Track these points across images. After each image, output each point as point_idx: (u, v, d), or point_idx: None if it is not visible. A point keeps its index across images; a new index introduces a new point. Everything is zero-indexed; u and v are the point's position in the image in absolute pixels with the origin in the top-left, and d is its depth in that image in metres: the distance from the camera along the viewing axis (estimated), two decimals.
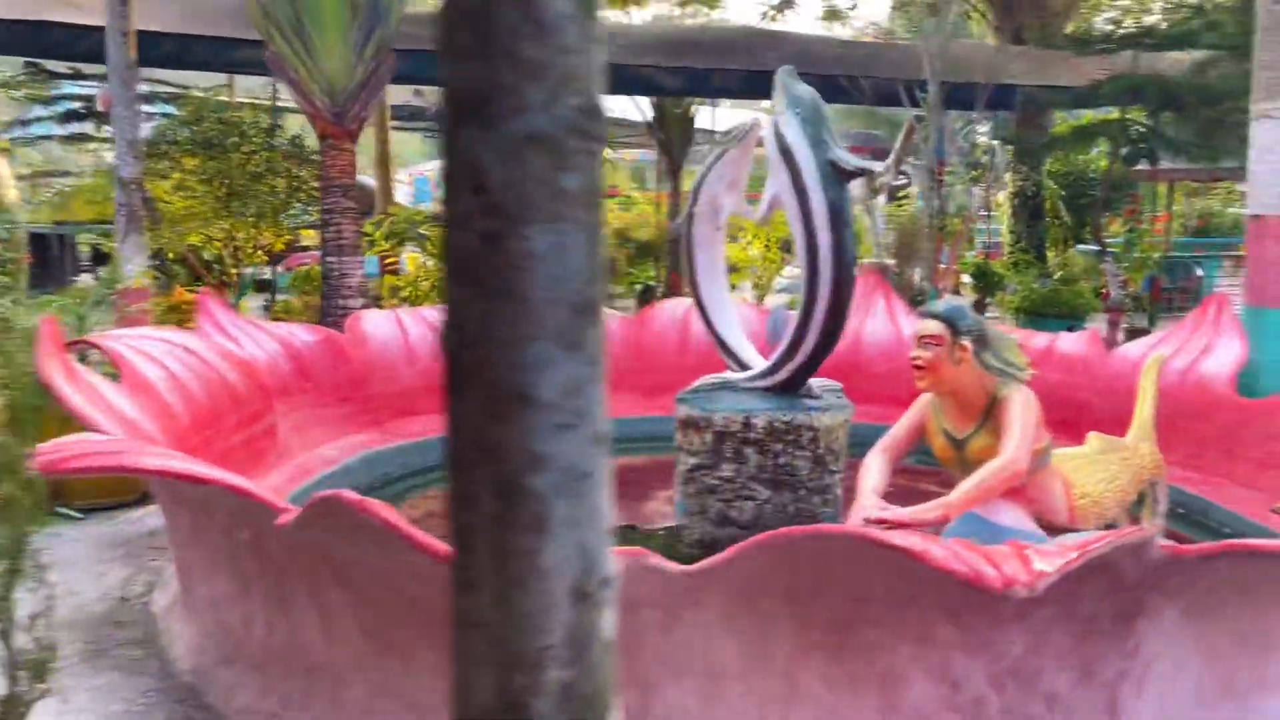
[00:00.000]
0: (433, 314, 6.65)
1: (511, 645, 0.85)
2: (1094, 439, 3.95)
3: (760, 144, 4.67)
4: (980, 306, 15.06)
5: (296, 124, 11.07)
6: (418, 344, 6.35)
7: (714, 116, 17.63)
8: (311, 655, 2.92)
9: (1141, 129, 11.28)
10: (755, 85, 9.94)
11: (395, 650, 2.69)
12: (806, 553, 2.26)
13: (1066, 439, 6.05)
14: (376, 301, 8.67)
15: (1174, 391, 5.52)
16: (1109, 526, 3.95)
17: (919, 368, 3.39)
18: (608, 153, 14.68)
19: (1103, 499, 3.71)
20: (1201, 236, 19.86)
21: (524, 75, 0.76)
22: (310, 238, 10.68)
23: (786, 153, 4.32)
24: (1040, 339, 6.49)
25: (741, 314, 7.37)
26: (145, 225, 7.52)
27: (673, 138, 14.55)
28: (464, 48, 0.77)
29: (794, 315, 4.59)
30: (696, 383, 4.79)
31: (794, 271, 10.98)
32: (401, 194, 30.66)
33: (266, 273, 11.30)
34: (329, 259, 7.49)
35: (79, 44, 9.24)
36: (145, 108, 10.64)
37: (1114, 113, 11.78)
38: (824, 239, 4.23)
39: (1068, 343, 6.31)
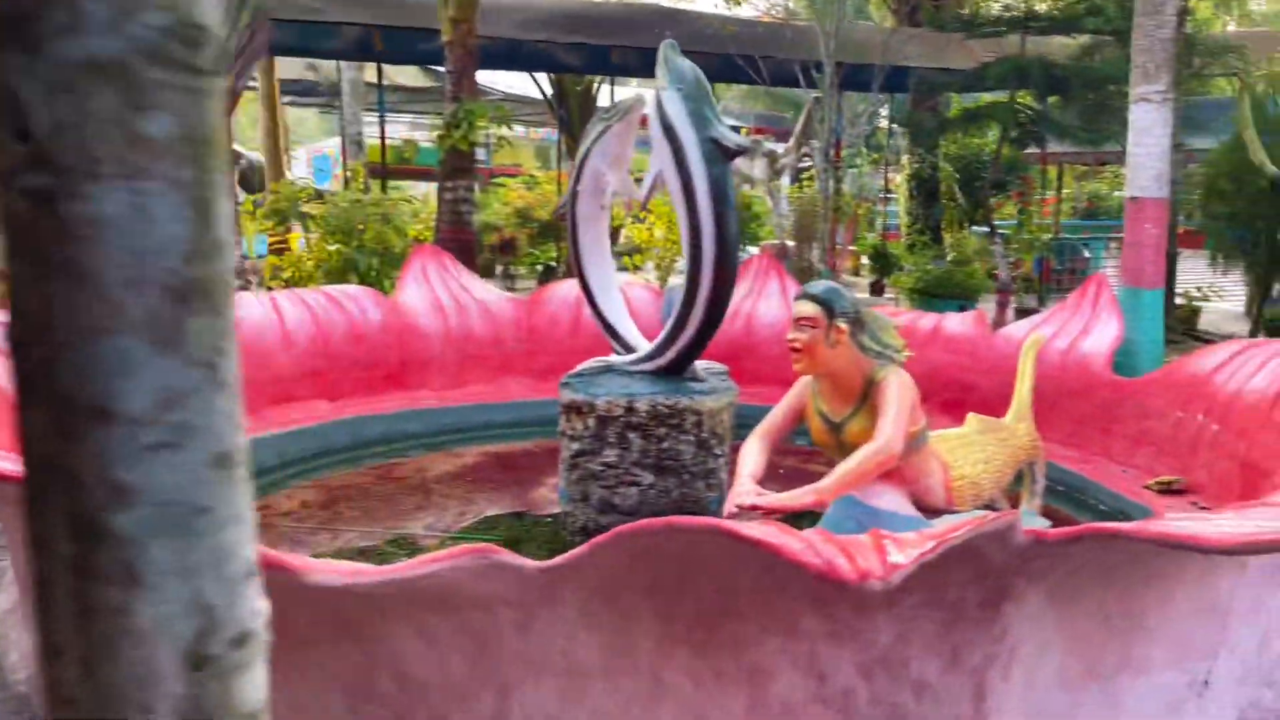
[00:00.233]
0: (312, 296, 6.38)
1: None
2: (973, 420, 3.95)
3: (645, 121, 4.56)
4: (878, 288, 15.30)
5: None
6: (295, 328, 6.08)
7: (616, 95, 17.47)
8: None
9: (1029, 112, 11.52)
10: (653, 63, 9.82)
11: None
12: (665, 546, 2.16)
13: (953, 420, 6.13)
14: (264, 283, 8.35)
15: (1055, 371, 5.61)
16: (988, 507, 3.98)
17: (795, 350, 3.33)
18: (511, 131, 14.41)
19: (980, 480, 3.71)
20: (1089, 219, 20.54)
21: None
22: None
23: (669, 129, 4.21)
24: (927, 320, 6.54)
25: (635, 295, 7.29)
26: None
27: (574, 115, 14.35)
28: None
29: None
30: (580, 366, 4.67)
31: None
32: (300, 172, 29.78)
33: None
34: None
35: None
36: None
37: (1005, 96, 12.01)
38: (706, 218, 4.14)
39: (954, 323, 6.37)
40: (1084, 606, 2.59)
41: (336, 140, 19.04)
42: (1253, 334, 11.01)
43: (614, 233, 20.97)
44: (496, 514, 5.02)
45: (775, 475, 5.65)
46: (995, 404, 5.82)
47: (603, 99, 15.89)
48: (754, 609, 2.38)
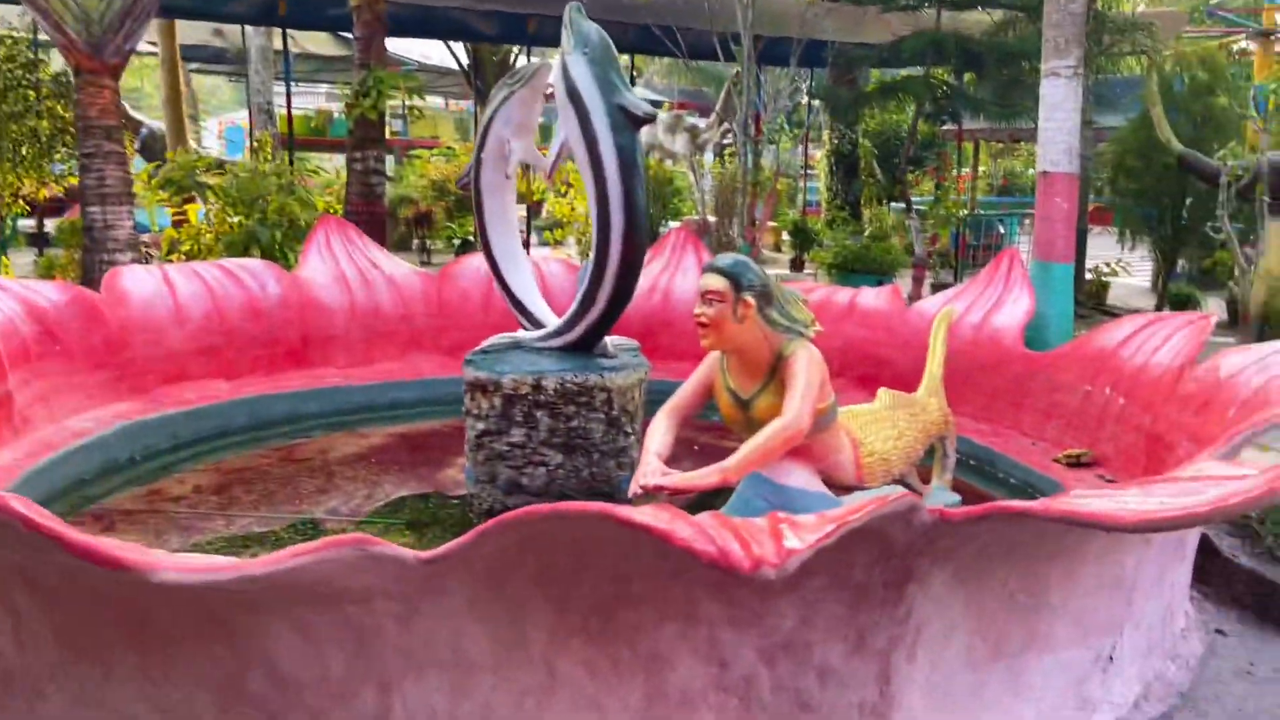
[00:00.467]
0: (207, 269, 6.07)
1: None
2: (884, 395, 3.90)
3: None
4: (798, 264, 15.34)
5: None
6: (188, 303, 5.78)
7: None
8: (3, 663, 2.50)
9: (945, 88, 11.59)
10: None
11: (92, 657, 2.31)
12: (554, 533, 2.04)
13: (867, 394, 6.12)
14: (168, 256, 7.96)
15: (967, 345, 5.62)
16: (900, 482, 3.94)
17: (702, 325, 3.21)
18: (424, 101, 14.02)
19: (890, 456, 3.66)
20: (1005, 195, 20.89)
21: None
22: None
23: (574, 96, 4.05)
24: (843, 294, 6.51)
25: (550, 269, 7.13)
26: None
27: (491, 86, 14.02)
28: None
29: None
30: (485, 342, 4.51)
31: None
32: (212, 143, 28.76)
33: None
34: (91, 209, 6.75)
35: None
36: None
37: (922, 72, 12.07)
38: (614, 188, 4.01)
39: (869, 298, 6.34)
40: (989, 585, 2.54)
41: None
42: (1158, 309, 11.29)
43: (536, 206, 20.71)
44: (403, 496, 4.84)
45: (690, 452, 5.58)
46: (909, 378, 5.80)
47: None
48: (651, 595, 2.27)
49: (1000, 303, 5.86)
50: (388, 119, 24.24)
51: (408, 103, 10.89)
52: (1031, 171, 22.58)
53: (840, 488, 3.59)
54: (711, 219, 14.99)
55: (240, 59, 17.46)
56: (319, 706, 2.25)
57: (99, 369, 5.28)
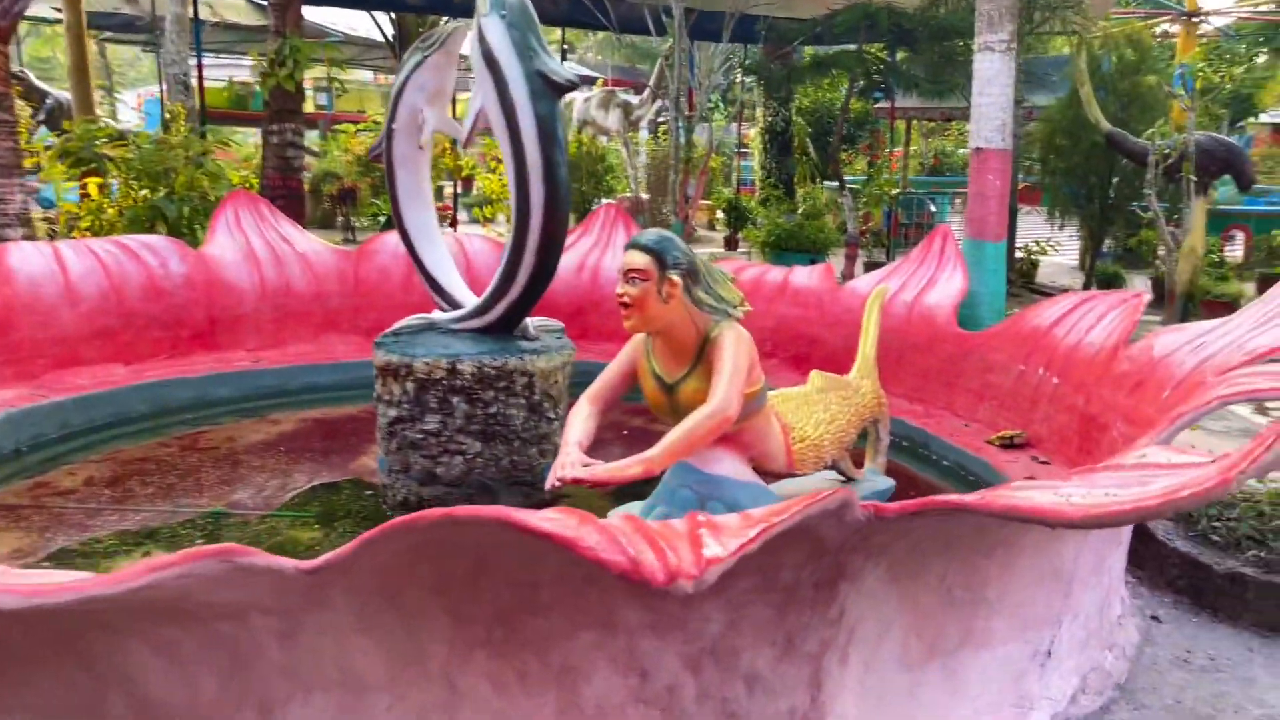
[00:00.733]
0: (103, 246, 5.69)
1: None
2: (815, 377, 3.74)
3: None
4: (732, 242, 15.22)
5: None
6: (82, 282, 5.41)
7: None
8: None
9: (879, 63, 11.50)
10: None
11: None
12: (447, 539, 1.83)
13: (800, 374, 5.99)
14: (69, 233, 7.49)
15: (899, 324, 5.51)
16: (833, 468, 3.79)
17: (625, 305, 3.00)
18: (345, 73, 13.55)
19: (822, 441, 3.50)
20: (936, 174, 21.01)
21: None
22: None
23: (491, 61, 3.80)
24: (775, 273, 6.37)
25: (473, 247, 6.86)
26: None
27: None
28: None
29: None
30: (397, 324, 4.25)
31: None
32: (130, 116, 27.62)
33: None
34: None
35: None
36: None
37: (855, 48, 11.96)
38: (534, 160, 3.78)
39: (801, 277, 6.20)
40: (925, 581, 2.39)
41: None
42: (1086, 286, 11.39)
43: (466, 182, 20.26)
44: (315, 486, 4.58)
45: (619, 437, 5.40)
46: (842, 358, 5.68)
47: None
48: (561, 602, 2.07)
49: (933, 281, 5.76)
50: (312, 93, 23.61)
51: (332, 75, 10.44)
52: (962, 151, 22.77)
53: (770, 475, 3.44)
54: (645, 196, 14.78)
55: (153, 28, 16.69)
56: None
57: None
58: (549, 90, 3.77)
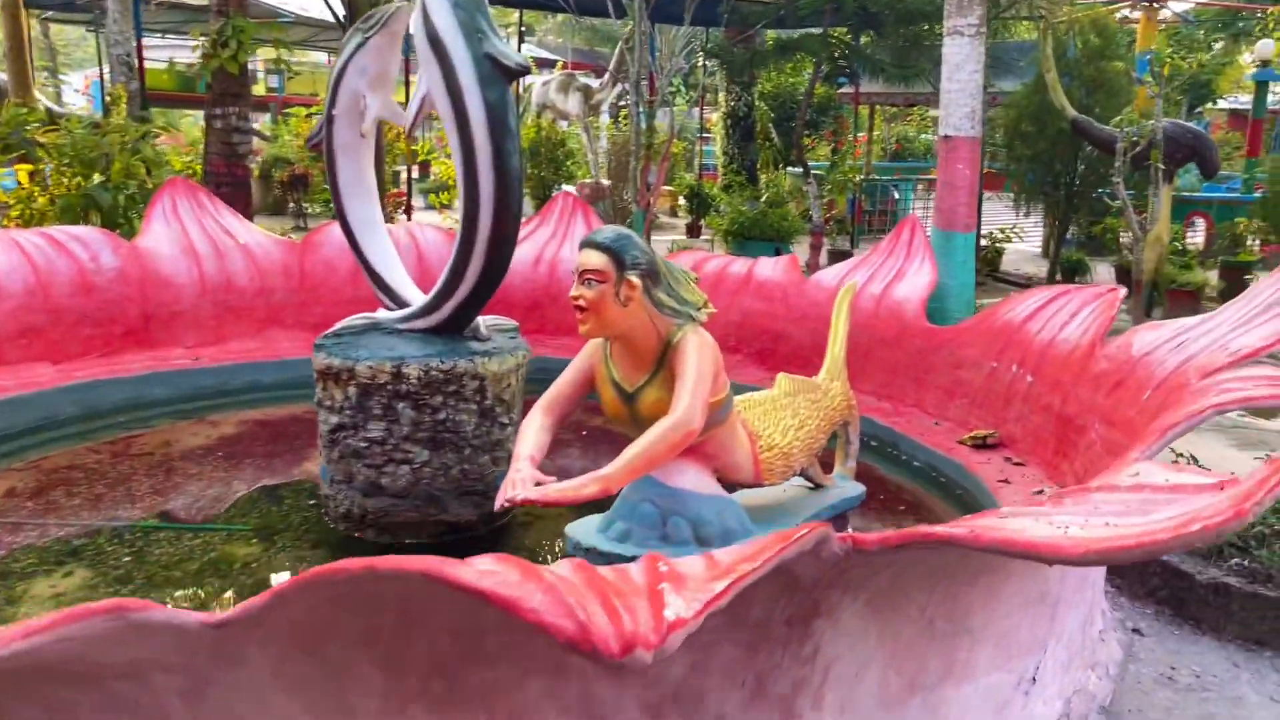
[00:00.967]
0: (29, 238, 5.36)
1: None
2: (783, 380, 3.53)
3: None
4: (694, 229, 15.00)
5: None
6: (5, 276, 5.09)
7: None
8: None
9: (844, 47, 11.31)
10: None
11: None
12: (372, 592, 1.61)
13: (765, 369, 5.80)
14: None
15: (867, 319, 5.33)
16: (801, 475, 3.60)
17: (581, 309, 2.78)
18: (291, 54, 13.10)
19: (791, 449, 3.31)
20: (898, 160, 20.93)
21: None
22: None
23: (436, 43, 3.54)
24: (739, 265, 6.16)
25: (426, 237, 6.59)
26: None
27: None
28: None
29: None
30: (338, 324, 3.99)
31: None
32: (75, 99, 26.82)
33: None
34: None
35: None
36: None
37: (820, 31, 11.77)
38: (483, 149, 3.53)
39: (766, 269, 6.01)
40: (906, 613, 2.20)
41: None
42: (1050, 274, 11.33)
43: (423, 168, 19.86)
44: (255, 496, 4.32)
45: (578, 437, 5.19)
46: (808, 353, 5.51)
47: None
48: (509, 649, 1.86)
49: (901, 273, 5.59)
50: (263, 75, 23.00)
51: (281, 57, 10.05)
52: (924, 136, 22.72)
53: (736, 486, 3.24)
54: (606, 182, 14.52)
55: (95, 6, 16.11)
56: None
57: None
58: (499, 75, 3.52)
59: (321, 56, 25.80)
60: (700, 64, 16.71)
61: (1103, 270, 11.51)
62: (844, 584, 2.01)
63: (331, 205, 12.59)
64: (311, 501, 4.17)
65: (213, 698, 1.76)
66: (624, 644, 1.31)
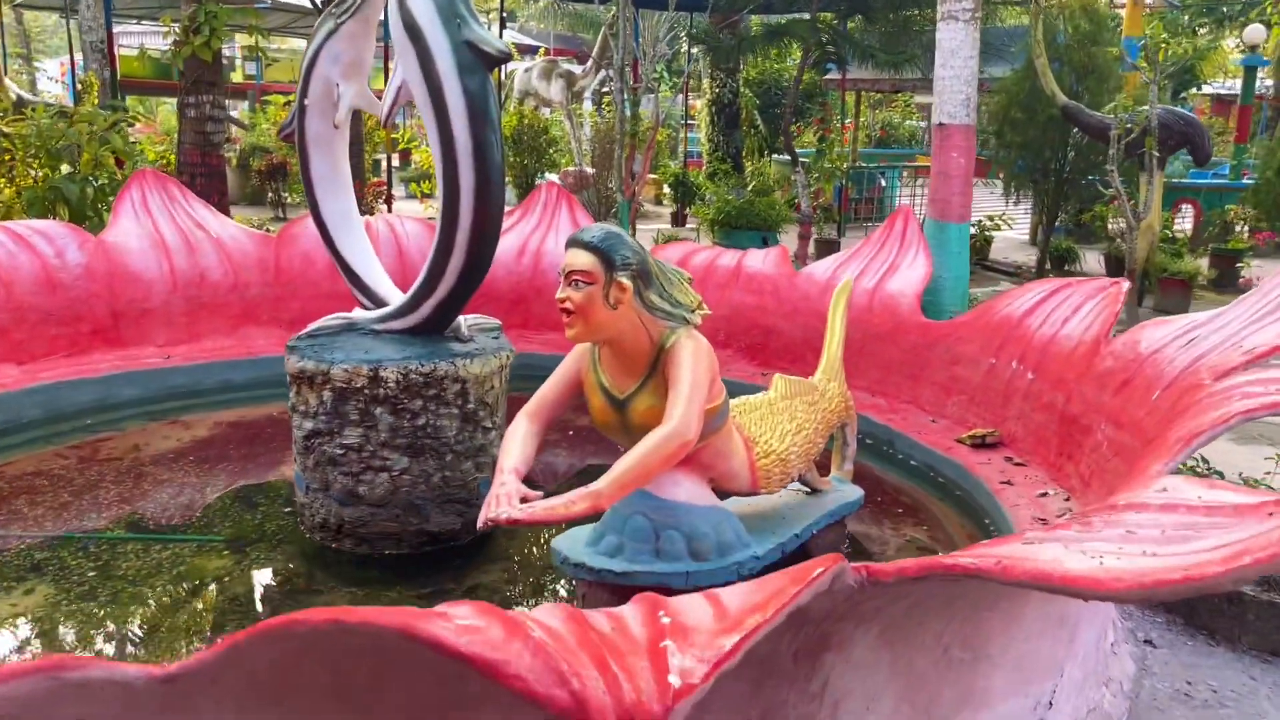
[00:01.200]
0: None
1: None
2: (779, 382, 3.38)
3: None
4: (680, 218, 14.83)
5: None
6: None
7: None
8: None
9: (832, 32, 11.13)
10: None
11: None
12: (340, 643, 1.44)
13: (756, 365, 5.65)
14: None
15: (861, 313, 5.18)
16: (799, 480, 3.45)
17: (567, 313, 2.61)
18: (291, 45, 12.84)
19: (789, 455, 3.15)
20: (883, 147, 20.79)
21: None
22: None
23: (413, 29, 3.36)
24: (728, 258, 6.00)
25: (406, 229, 6.40)
26: None
27: None
28: None
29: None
30: (313, 325, 3.80)
31: None
32: (50, 87, 26.34)
33: None
34: None
35: None
36: None
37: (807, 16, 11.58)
38: (463, 140, 3.35)
39: (756, 262, 5.84)
40: (921, 643, 2.06)
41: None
42: (1040, 262, 11.21)
43: (404, 156, 19.58)
44: (228, 503, 4.13)
45: (564, 438, 5.02)
46: (800, 348, 5.36)
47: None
48: (492, 693, 1.69)
49: (895, 266, 5.44)
50: (241, 62, 22.63)
51: (258, 43, 9.79)
52: (909, 123, 22.59)
53: (733, 495, 3.09)
54: (590, 170, 14.31)
55: None
56: None
57: None
58: (479, 62, 3.34)
59: (301, 43, 25.45)
60: (685, 50, 16.50)
61: (1092, 258, 11.41)
62: (857, 616, 1.86)
63: None
64: (287, 509, 3.99)
65: None
66: (624, 717, 1.15)
